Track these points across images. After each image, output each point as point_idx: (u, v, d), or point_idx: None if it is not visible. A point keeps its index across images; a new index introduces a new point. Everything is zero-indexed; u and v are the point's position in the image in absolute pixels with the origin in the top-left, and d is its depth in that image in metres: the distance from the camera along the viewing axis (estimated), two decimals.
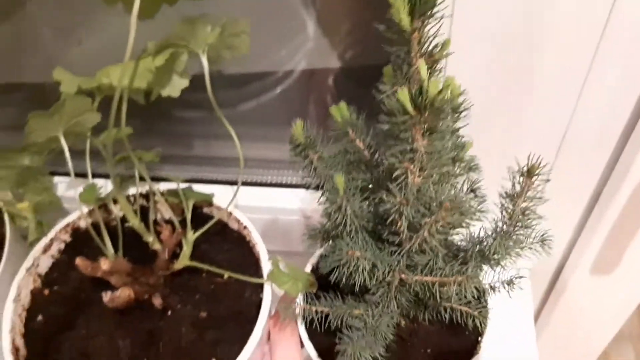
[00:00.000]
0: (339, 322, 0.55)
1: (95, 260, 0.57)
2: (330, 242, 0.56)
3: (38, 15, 0.80)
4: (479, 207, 0.54)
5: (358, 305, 0.56)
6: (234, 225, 0.68)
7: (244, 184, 0.80)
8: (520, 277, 0.55)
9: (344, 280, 0.51)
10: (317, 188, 0.54)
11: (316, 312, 0.56)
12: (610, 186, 0.64)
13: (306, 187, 0.54)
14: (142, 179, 0.69)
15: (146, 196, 0.70)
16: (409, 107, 0.40)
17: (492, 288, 0.56)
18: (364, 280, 0.50)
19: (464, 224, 0.49)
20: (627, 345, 1.29)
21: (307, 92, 0.78)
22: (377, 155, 0.53)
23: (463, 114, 0.51)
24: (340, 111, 0.52)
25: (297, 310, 0.57)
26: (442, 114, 0.40)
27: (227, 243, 0.67)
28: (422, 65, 0.39)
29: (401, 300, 0.54)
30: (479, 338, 0.58)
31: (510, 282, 0.55)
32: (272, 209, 0.77)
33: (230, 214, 0.68)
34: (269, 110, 0.79)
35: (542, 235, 0.51)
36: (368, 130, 0.53)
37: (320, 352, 0.57)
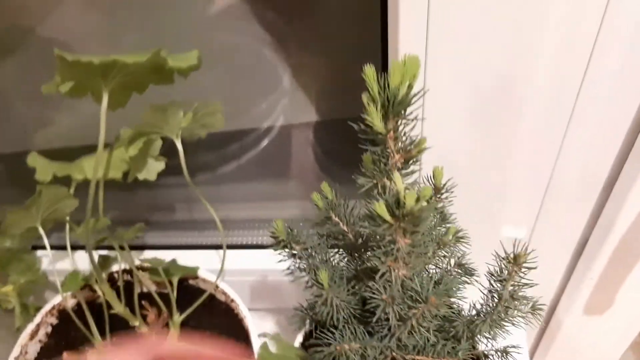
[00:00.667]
0: None
1: (81, 344, 0.57)
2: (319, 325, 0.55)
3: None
4: (469, 278, 0.54)
5: None
6: (221, 297, 0.67)
7: (231, 247, 0.78)
8: (516, 346, 0.54)
9: None
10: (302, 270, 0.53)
11: None
12: (596, 234, 0.64)
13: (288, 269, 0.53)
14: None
15: (130, 271, 0.69)
16: (388, 217, 0.39)
17: (485, 356, 0.56)
18: None
19: (452, 305, 0.49)
20: (627, 352, 1.29)
21: (288, 147, 0.77)
22: (362, 239, 0.52)
23: (445, 195, 0.51)
24: (323, 192, 0.51)
25: None
26: (421, 218, 0.39)
27: (215, 317, 0.66)
28: (397, 178, 0.38)
29: None
30: None
31: (504, 352, 0.54)
32: (260, 270, 0.75)
33: (217, 286, 0.67)
34: (253, 169, 0.78)
35: (534, 303, 0.51)
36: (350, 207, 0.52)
37: None
